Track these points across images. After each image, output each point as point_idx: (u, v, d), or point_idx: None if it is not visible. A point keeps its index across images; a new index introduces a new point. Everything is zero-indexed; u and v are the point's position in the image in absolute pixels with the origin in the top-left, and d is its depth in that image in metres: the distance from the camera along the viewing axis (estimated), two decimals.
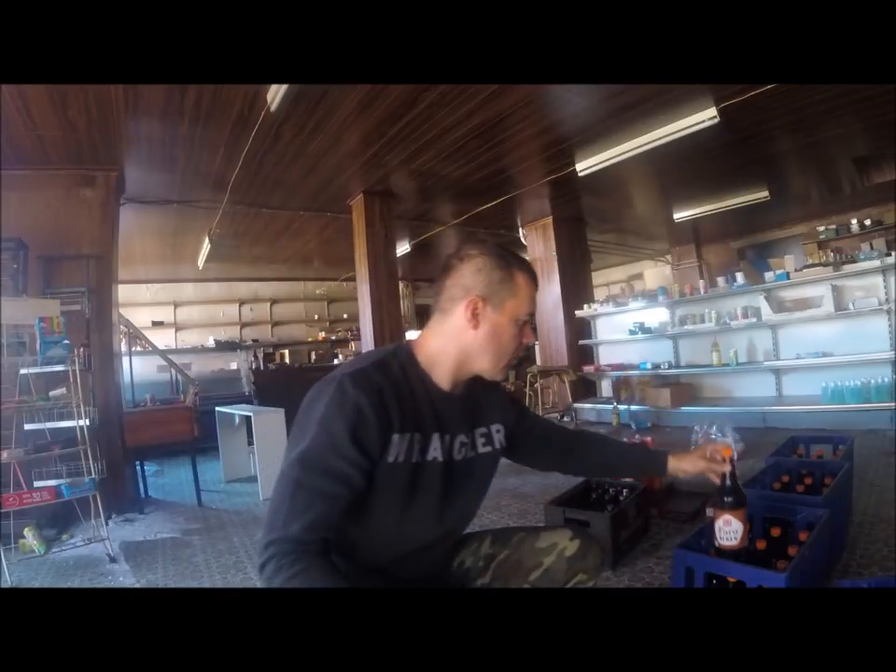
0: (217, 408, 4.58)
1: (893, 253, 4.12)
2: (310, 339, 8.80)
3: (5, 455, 2.62)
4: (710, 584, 1.23)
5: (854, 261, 4.40)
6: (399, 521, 0.91)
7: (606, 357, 6.12)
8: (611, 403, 5.35)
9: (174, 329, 7.91)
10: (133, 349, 5.79)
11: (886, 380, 3.83)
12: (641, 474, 1.24)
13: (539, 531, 1.10)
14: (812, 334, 4.48)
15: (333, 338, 8.85)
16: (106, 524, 2.89)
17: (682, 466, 1.17)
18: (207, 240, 5.52)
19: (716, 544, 1.16)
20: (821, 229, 7.28)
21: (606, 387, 6.08)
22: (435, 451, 0.92)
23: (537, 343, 6.93)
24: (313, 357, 8.33)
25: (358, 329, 5.99)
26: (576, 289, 6.45)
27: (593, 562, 1.05)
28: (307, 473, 0.81)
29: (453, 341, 0.93)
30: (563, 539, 1.04)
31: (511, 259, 0.94)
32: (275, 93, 2.83)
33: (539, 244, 6.53)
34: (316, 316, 9.05)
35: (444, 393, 0.95)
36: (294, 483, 0.81)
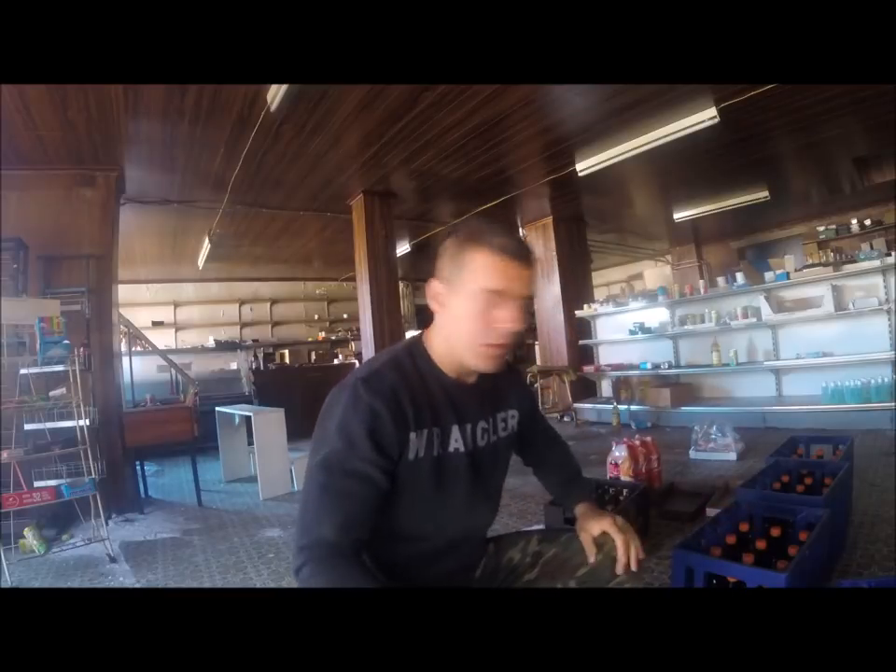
0: (217, 408, 4.58)
1: (893, 253, 4.13)
2: (310, 339, 8.80)
3: (5, 455, 2.62)
4: (710, 584, 1.23)
5: (854, 261, 4.40)
6: (429, 515, 0.92)
7: (606, 357, 6.12)
8: (611, 403, 5.35)
9: (174, 329, 7.92)
10: (133, 349, 5.79)
11: (886, 380, 3.83)
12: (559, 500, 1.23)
13: None
14: (812, 334, 4.48)
15: (333, 338, 8.86)
16: (106, 524, 2.89)
17: (586, 524, 1.04)
18: (207, 240, 5.52)
19: None
20: (821, 229, 7.28)
21: (606, 387, 6.08)
22: (456, 442, 0.93)
23: (537, 342, 6.95)
24: (313, 356, 8.33)
25: (358, 329, 5.99)
26: (576, 289, 6.45)
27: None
28: (330, 476, 0.82)
29: (436, 330, 0.94)
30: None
31: (472, 233, 0.87)
32: (275, 93, 2.83)
33: (539, 244, 6.52)
34: (316, 316, 9.05)
35: (459, 383, 0.95)
36: (319, 487, 0.82)
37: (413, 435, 0.87)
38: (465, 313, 0.87)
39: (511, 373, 1.09)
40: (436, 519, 0.94)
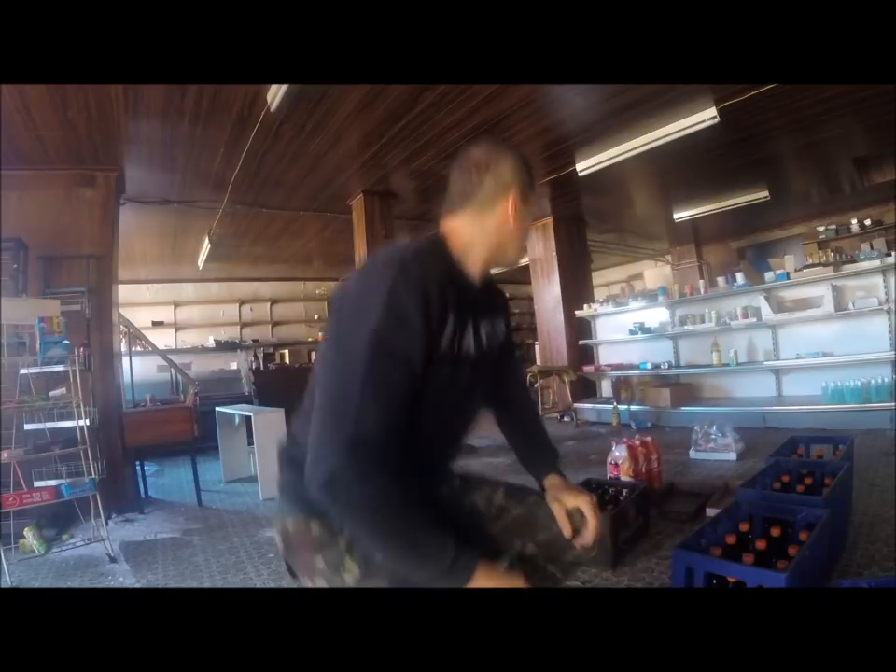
0: (216, 408, 4.58)
1: (893, 253, 4.13)
2: (310, 339, 8.79)
3: (5, 454, 2.62)
4: (710, 584, 1.23)
5: (854, 261, 4.40)
6: (425, 421, 0.88)
7: (606, 357, 6.12)
8: (611, 403, 5.35)
9: (174, 329, 7.91)
10: (133, 349, 5.79)
11: (886, 380, 3.83)
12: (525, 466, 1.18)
13: None
14: (812, 334, 4.49)
15: None
16: (106, 524, 2.89)
17: (560, 496, 1.03)
18: (207, 240, 5.52)
19: None
20: (821, 229, 7.28)
21: (606, 387, 6.08)
22: (469, 340, 0.92)
23: (537, 342, 6.96)
24: (313, 356, 8.32)
25: None
26: (576, 289, 6.45)
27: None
28: (377, 358, 0.75)
29: (492, 233, 0.95)
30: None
31: (527, 160, 1.01)
32: (275, 93, 2.83)
33: (539, 244, 6.53)
34: (316, 316, 9.05)
35: (474, 283, 0.95)
36: (364, 370, 0.74)
37: (448, 328, 0.84)
38: (529, 224, 1.03)
39: (501, 294, 1.13)
40: (429, 425, 0.90)
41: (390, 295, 0.77)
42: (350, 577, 0.86)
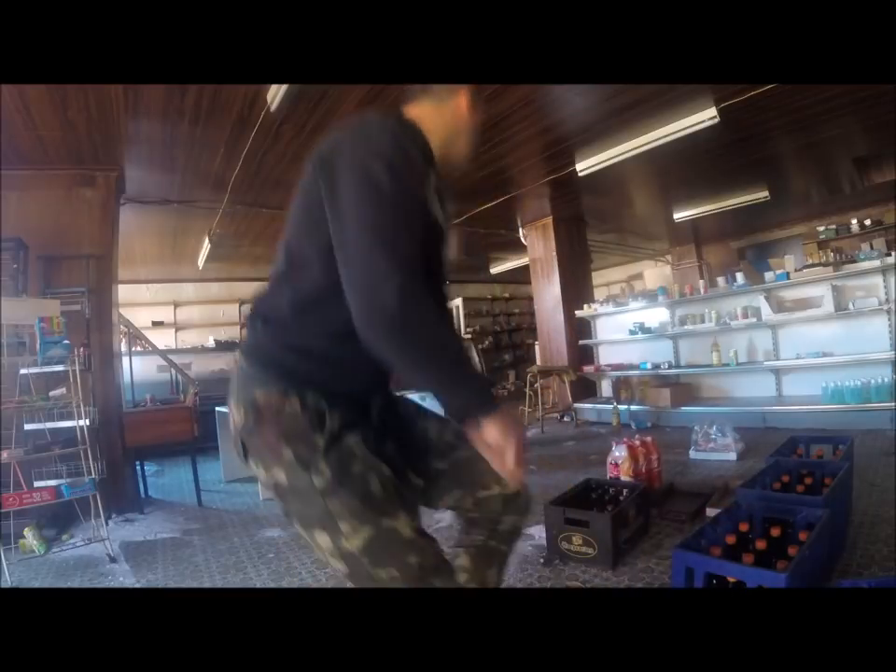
0: (216, 408, 4.57)
1: (893, 253, 4.13)
2: None
3: (5, 454, 2.62)
4: (710, 584, 1.23)
5: (854, 261, 4.40)
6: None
7: (606, 357, 6.12)
8: (611, 403, 5.35)
9: (174, 329, 7.91)
10: (133, 349, 5.79)
11: (886, 380, 3.83)
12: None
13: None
14: (812, 334, 4.49)
15: None
16: (106, 524, 2.89)
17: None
18: (207, 240, 5.52)
19: None
20: (821, 229, 7.28)
21: (606, 387, 6.08)
22: (439, 210, 0.95)
23: (537, 342, 6.96)
24: None
25: None
26: (576, 289, 6.45)
27: (525, 507, 1.06)
28: (401, 187, 0.77)
29: (447, 122, 1.01)
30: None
31: None
32: (275, 93, 2.83)
33: (539, 244, 6.53)
34: None
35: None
36: (394, 198, 0.75)
37: (431, 185, 0.88)
38: (478, 122, 1.05)
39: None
40: None
41: (396, 141, 0.81)
42: (319, 480, 0.79)
